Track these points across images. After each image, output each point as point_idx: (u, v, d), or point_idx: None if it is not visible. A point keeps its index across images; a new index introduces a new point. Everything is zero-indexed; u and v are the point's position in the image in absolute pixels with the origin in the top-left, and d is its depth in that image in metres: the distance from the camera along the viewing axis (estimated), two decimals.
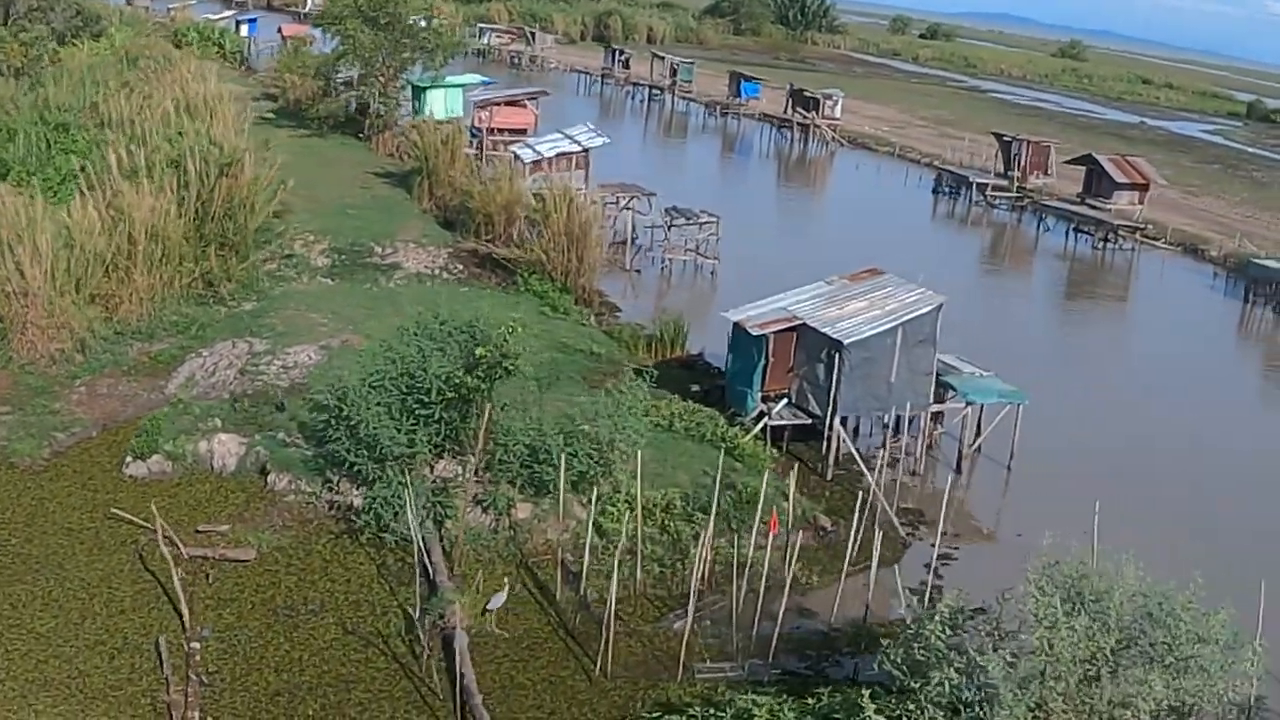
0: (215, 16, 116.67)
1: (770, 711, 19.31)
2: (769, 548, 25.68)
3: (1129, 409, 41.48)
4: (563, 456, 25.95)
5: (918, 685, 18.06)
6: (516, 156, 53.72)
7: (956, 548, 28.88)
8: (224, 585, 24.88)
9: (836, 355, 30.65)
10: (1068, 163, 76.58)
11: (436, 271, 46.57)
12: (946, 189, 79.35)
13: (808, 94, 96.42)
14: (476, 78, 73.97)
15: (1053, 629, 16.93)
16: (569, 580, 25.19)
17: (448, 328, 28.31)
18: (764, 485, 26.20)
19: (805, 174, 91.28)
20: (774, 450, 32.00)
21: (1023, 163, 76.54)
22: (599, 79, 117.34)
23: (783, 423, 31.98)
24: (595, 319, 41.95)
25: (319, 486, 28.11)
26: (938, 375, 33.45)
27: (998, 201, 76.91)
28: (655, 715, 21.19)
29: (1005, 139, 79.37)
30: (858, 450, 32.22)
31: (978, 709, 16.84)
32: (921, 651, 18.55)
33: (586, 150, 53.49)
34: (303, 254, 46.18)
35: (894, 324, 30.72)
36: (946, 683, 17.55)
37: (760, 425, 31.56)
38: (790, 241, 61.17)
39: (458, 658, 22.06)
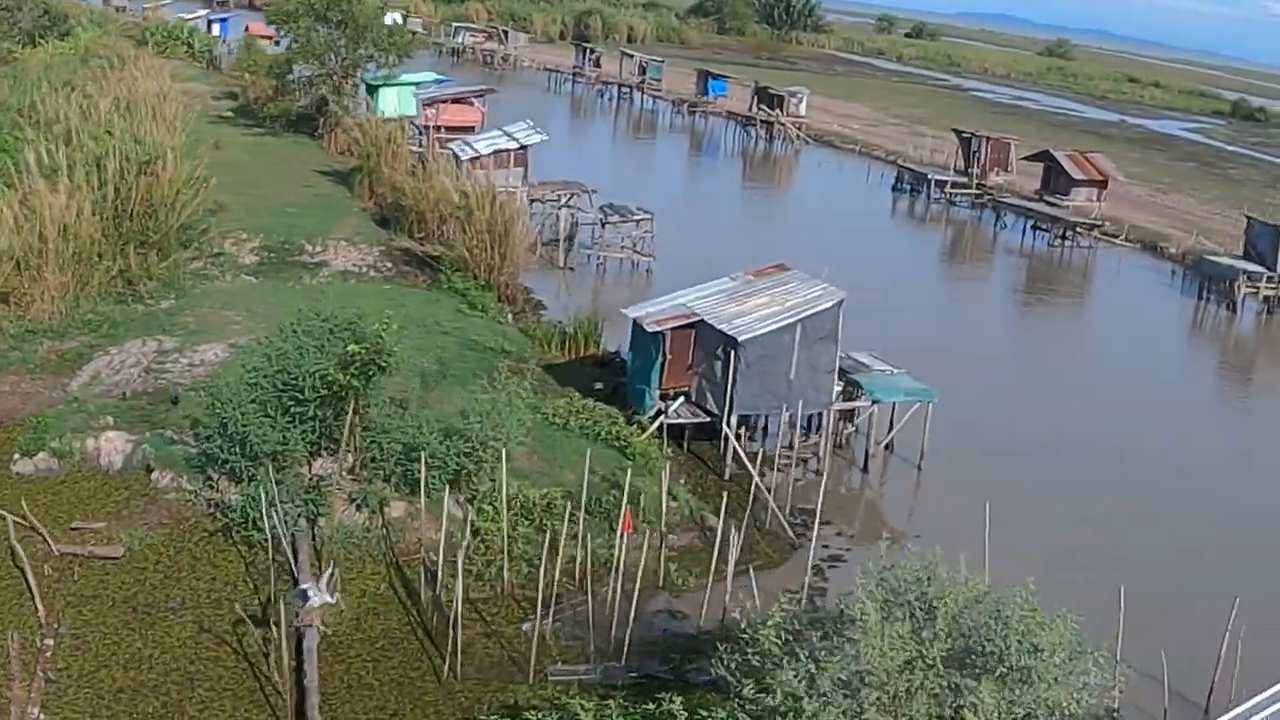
0: (189, 16, 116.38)
1: (596, 715, 18.83)
2: (645, 548, 25.25)
3: (1059, 409, 40.96)
4: (423, 455, 25.45)
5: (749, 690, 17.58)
6: (454, 155, 53.23)
7: (848, 549, 28.38)
8: (89, 582, 24.47)
9: (732, 352, 30.18)
10: (1025, 159, 76.11)
11: (364, 270, 46.17)
12: (906, 186, 78.90)
13: (772, 91, 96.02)
14: (431, 75, 73.57)
15: (867, 636, 16.41)
16: (429, 580, 24.72)
17: (328, 325, 27.86)
18: (663, 486, 25.85)
19: (765, 171, 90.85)
20: (674, 449, 31.58)
21: (982, 160, 76.02)
22: (570, 78, 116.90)
23: (680, 421, 31.50)
24: (513, 316, 41.49)
25: (200, 484, 27.70)
26: (846, 373, 33.03)
27: (957, 199, 76.45)
28: (495, 718, 20.73)
29: (965, 135, 78.86)
30: (745, 449, 31.48)
31: (788, 718, 16.33)
32: (756, 656, 18.06)
33: (524, 147, 52.99)
34: (232, 252, 45.79)
35: (792, 320, 30.26)
36: (780, 689, 16.99)
37: (656, 424, 31.08)
38: (736, 240, 60.57)
39: (304, 657, 21.63)
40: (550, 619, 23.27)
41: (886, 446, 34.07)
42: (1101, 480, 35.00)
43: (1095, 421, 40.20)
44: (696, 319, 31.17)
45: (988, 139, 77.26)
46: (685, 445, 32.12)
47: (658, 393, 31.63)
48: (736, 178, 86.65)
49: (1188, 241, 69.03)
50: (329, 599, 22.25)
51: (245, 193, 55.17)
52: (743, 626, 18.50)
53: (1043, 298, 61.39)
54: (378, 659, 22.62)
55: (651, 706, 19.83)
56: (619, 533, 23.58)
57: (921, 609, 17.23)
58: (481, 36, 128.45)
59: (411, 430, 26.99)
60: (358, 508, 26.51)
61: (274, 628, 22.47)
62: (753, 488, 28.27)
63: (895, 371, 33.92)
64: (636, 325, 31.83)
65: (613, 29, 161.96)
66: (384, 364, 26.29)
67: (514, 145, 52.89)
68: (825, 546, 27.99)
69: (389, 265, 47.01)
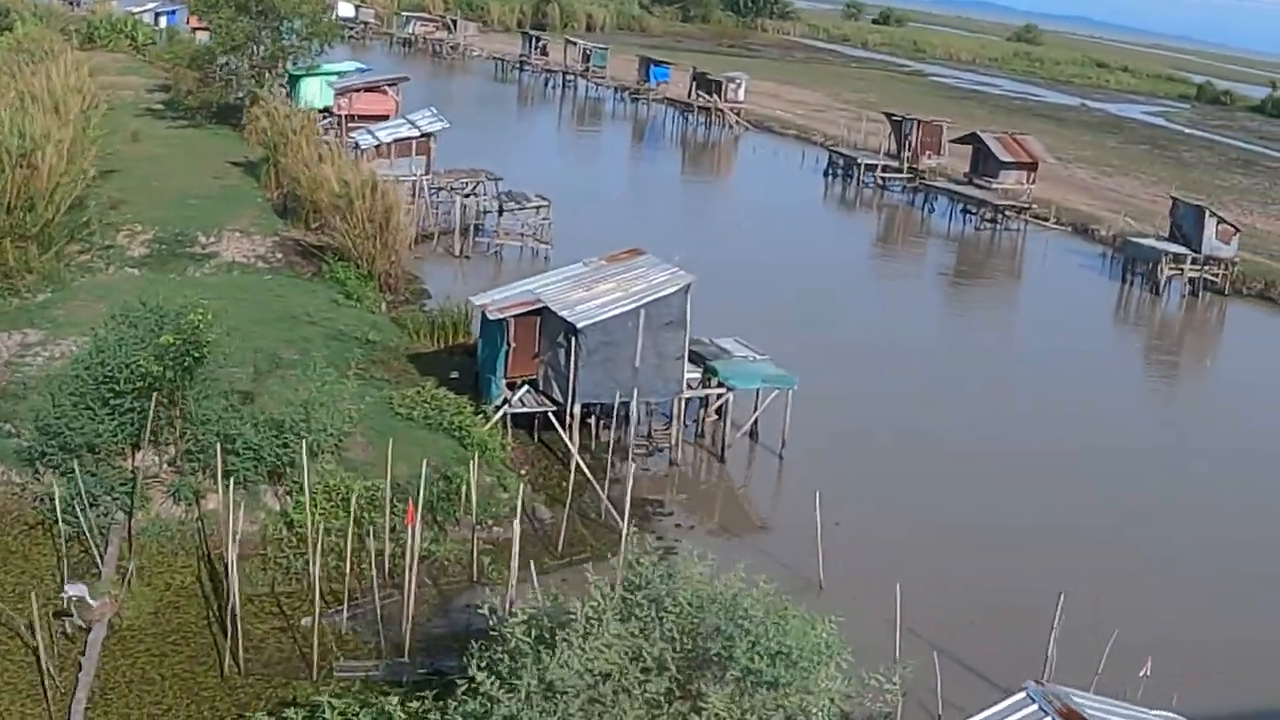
0: (137, 9, 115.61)
1: (343, 713, 18.42)
2: (474, 539, 24.87)
3: (948, 396, 40.41)
4: (231, 446, 25.01)
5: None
6: (356, 144, 52.74)
7: (680, 540, 27.87)
8: None
9: (573, 339, 29.73)
10: (953, 141, 75.55)
11: (253, 261, 45.66)
12: (837, 171, 78.30)
13: (710, 77, 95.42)
14: (352, 65, 72.96)
15: (586, 638, 15.91)
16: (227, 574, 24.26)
17: (155, 316, 27.40)
18: (473, 474, 25.43)
19: (697, 158, 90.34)
20: (527, 438, 31.17)
21: (913, 143, 75.48)
22: (517, 66, 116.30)
23: (524, 410, 31.06)
24: (388, 306, 41.02)
25: (29, 477, 27.26)
26: (705, 360, 32.63)
27: (887, 182, 76.01)
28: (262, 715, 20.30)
29: (896, 119, 78.35)
30: (606, 439, 31.15)
31: None
32: (501, 653, 17.57)
33: (426, 135, 52.45)
34: (124, 244, 45.23)
35: (634, 306, 29.80)
36: (524, 688, 16.45)
37: (500, 413, 30.64)
38: (648, 227, 59.85)
39: (87, 650, 21.28)
40: (346, 613, 22.82)
41: (751, 435, 33.63)
42: (972, 470, 34.42)
43: (984, 408, 39.82)
44: (541, 306, 30.68)
45: (919, 122, 76.72)
46: (535, 435, 31.67)
47: (504, 381, 31.18)
48: (665, 164, 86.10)
49: (1121, 224, 68.54)
50: (88, 598, 21.87)
51: (152, 184, 54.74)
52: (490, 624, 18.00)
53: (960, 282, 61.07)
54: (166, 653, 22.19)
55: (415, 705, 19.36)
56: (410, 525, 23.05)
57: (652, 609, 16.66)
58: (432, 26, 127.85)
59: (232, 421, 26.55)
60: (175, 500, 26.08)
61: (64, 621, 22.18)
62: (599, 481, 27.77)
63: (758, 358, 33.44)
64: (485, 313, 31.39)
65: (571, 17, 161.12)
66: (199, 355, 25.90)
67: (415, 133, 52.30)
68: (659, 539, 27.52)
69: (279, 256, 46.51)
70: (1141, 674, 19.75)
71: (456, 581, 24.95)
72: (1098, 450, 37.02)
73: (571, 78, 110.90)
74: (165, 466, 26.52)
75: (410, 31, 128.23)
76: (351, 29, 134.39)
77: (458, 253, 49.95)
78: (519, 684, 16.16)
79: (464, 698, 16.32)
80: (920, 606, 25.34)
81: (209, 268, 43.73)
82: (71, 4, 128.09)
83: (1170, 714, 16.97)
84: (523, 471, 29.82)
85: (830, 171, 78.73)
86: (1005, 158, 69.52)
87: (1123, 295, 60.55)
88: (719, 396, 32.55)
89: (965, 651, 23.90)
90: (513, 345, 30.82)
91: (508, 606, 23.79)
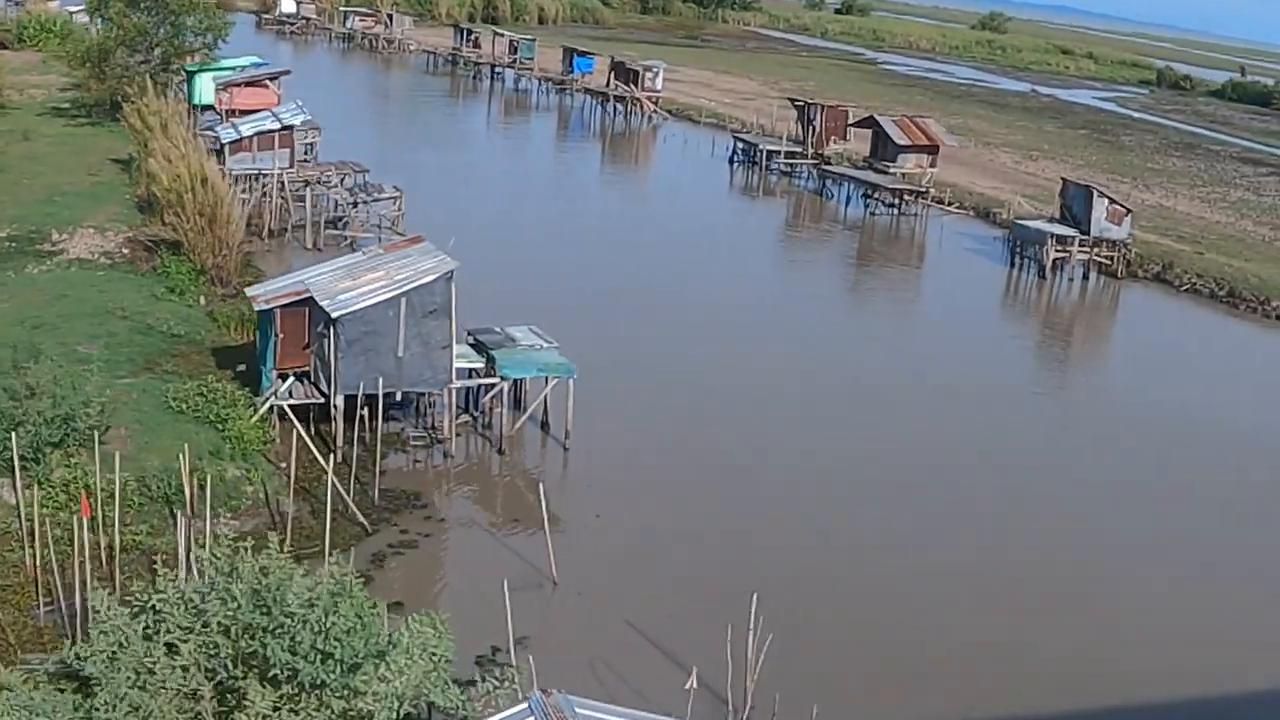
0: (75, 9, 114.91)
1: None
2: (189, 532, 24.12)
3: (774, 391, 38.90)
4: None
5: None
6: (217, 138, 52.10)
7: (427, 535, 27.24)
8: None
9: (332, 329, 29.10)
10: (852, 125, 74.65)
11: (97, 257, 45.07)
12: (741, 158, 77.55)
13: (628, 66, 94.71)
14: (250, 59, 72.25)
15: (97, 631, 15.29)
16: None
17: None
18: (185, 461, 24.79)
19: (608, 146, 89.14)
20: (289, 429, 30.49)
21: (817, 128, 74.70)
22: (450, 59, 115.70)
23: (293, 402, 30.42)
24: (207, 300, 40.37)
25: None
26: (486, 348, 32.01)
27: (789, 169, 75.29)
28: None
29: (799, 104, 77.61)
30: (336, 430, 30.23)
31: None
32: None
33: (289, 128, 51.75)
34: None
35: (394, 294, 29.13)
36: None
37: (265, 405, 30.02)
38: (526, 217, 59.40)
39: None
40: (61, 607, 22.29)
41: (543, 427, 32.97)
42: (764, 468, 32.94)
43: (807, 405, 38.22)
44: (308, 295, 30.05)
45: (823, 107, 75.84)
46: (312, 427, 31.01)
47: (274, 373, 30.53)
48: (573, 153, 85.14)
49: (1025, 208, 67.71)
50: None
51: (24, 182, 54.47)
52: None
53: (843, 268, 60.14)
54: None
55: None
56: (85, 518, 22.42)
57: (212, 603, 15.97)
58: (371, 21, 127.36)
59: None
60: None
61: None
62: (331, 471, 27.05)
63: (544, 346, 32.75)
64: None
65: (522, 10, 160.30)
66: None
67: (277, 126, 51.62)
68: (404, 532, 26.97)
69: (125, 252, 45.91)
70: (687, 686, 19.04)
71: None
72: (892, 467, 34.26)
73: (500, 70, 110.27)
74: None
75: (350, 27, 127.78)
76: (293, 24, 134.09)
77: (309, 246, 49.29)
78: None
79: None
80: (655, 603, 24.83)
81: (49, 265, 43.22)
82: (17, 3, 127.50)
83: None
84: (283, 465, 29.18)
85: (734, 159, 77.88)
86: (902, 141, 68.66)
87: (1010, 279, 59.66)
88: (492, 386, 31.83)
89: (676, 650, 23.07)
90: (280, 336, 30.16)
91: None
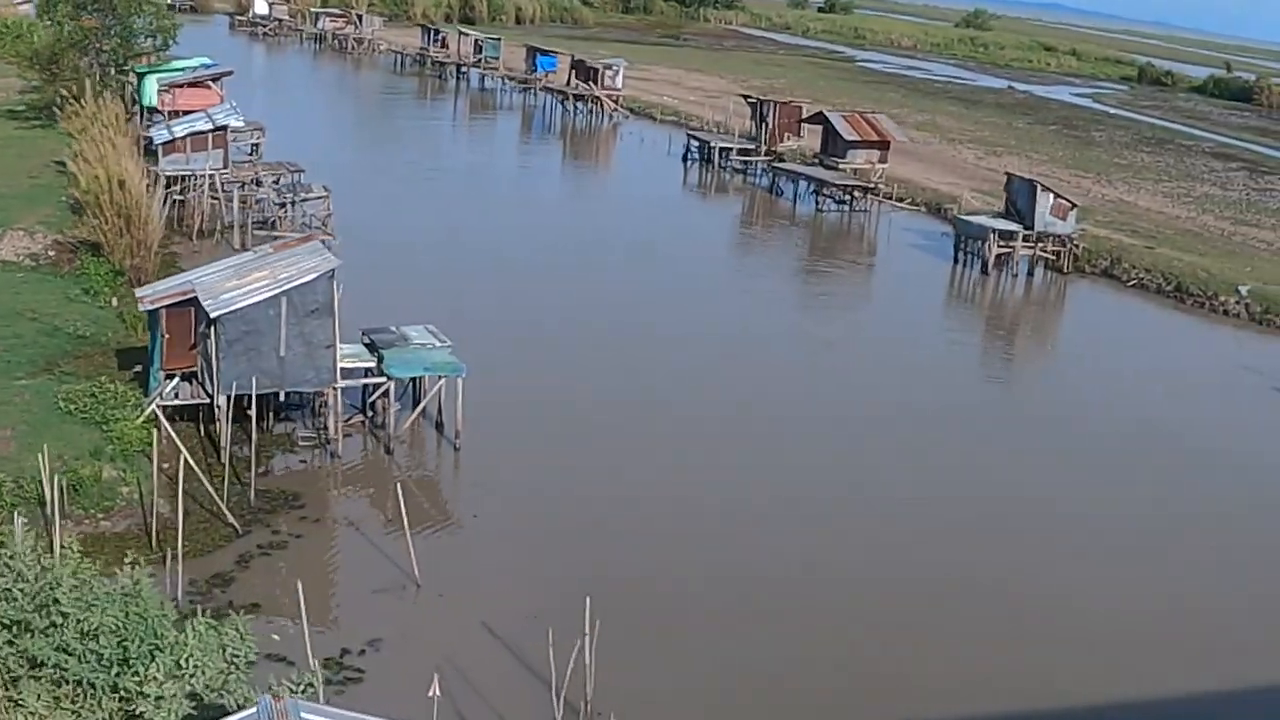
0: None
1: None
2: (58, 532, 24.01)
3: (680, 385, 38.67)
4: None
5: None
6: (149, 139, 51.97)
7: (299, 535, 27.01)
8: None
9: (214, 328, 28.95)
10: (802, 121, 74.42)
11: (21, 259, 44.89)
12: (695, 156, 77.34)
13: (588, 65, 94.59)
14: (199, 60, 72.10)
15: None
16: None
17: None
18: (44, 463, 24.64)
19: (565, 144, 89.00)
20: (190, 431, 30.40)
21: (770, 125, 74.51)
22: (417, 58, 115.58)
23: (179, 403, 30.27)
24: (120, 301, 40.23)
25: None
26: (376, 347, 31.86)
27: (743, 166, 75.09)
28: None
29: (752, 101, 77.42)
30: (221, 431, 29.98)
31: None
32: None
33: (222, 129, 51.61)
34: None
35: (274, 293, 28.96)
36: None
37: (150, 406, 29.85)
38: (464, 216, 59.10)
39: None
40: None
41: (437, 426, 32.78)
42: (660, 469, 32.36)
43: (710, 405, 37.29)
44: (193, 295, 29.89)
45: (776, 104, 75.65)
46: (202, 428, 30.89)
47: (161, 374, 30.38)
48: (522, 152, 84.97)
49: (971, 203, 67.48)
50: None
51: None
52: None
53: (779, 266, 59.60)
54: None
55: None
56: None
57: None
58: (342, 21, 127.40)
59: None
60: None
61: None
62: (210, 471, 26.90)
63: (437, 345, 32.55)
64: None
65: (499, 10, 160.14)
66: None
67: (209, 127, 51.47)
68: (275, 533, 26.78)
69: (52, 254, 45.82)
70: (430, 694, 18.79)
71: None
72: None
73: (465, 70, 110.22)
74: None
75: (320, 28, 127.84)
76: (266, 26, 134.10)
77: (238, 246, 49.07)
78: None
79: None
80: (519, 606, 24.58)
81: None
82: None
83: None
84: (164, 465, 28.98)
85: (688, 156, 77.66)
86: (851, 136, 68.43)
87: (954, 276, 59.38)
88: (379, 386, 31.66)
89: (529, 653, 22.71)
90: (166, 336, 29.99)
91: None
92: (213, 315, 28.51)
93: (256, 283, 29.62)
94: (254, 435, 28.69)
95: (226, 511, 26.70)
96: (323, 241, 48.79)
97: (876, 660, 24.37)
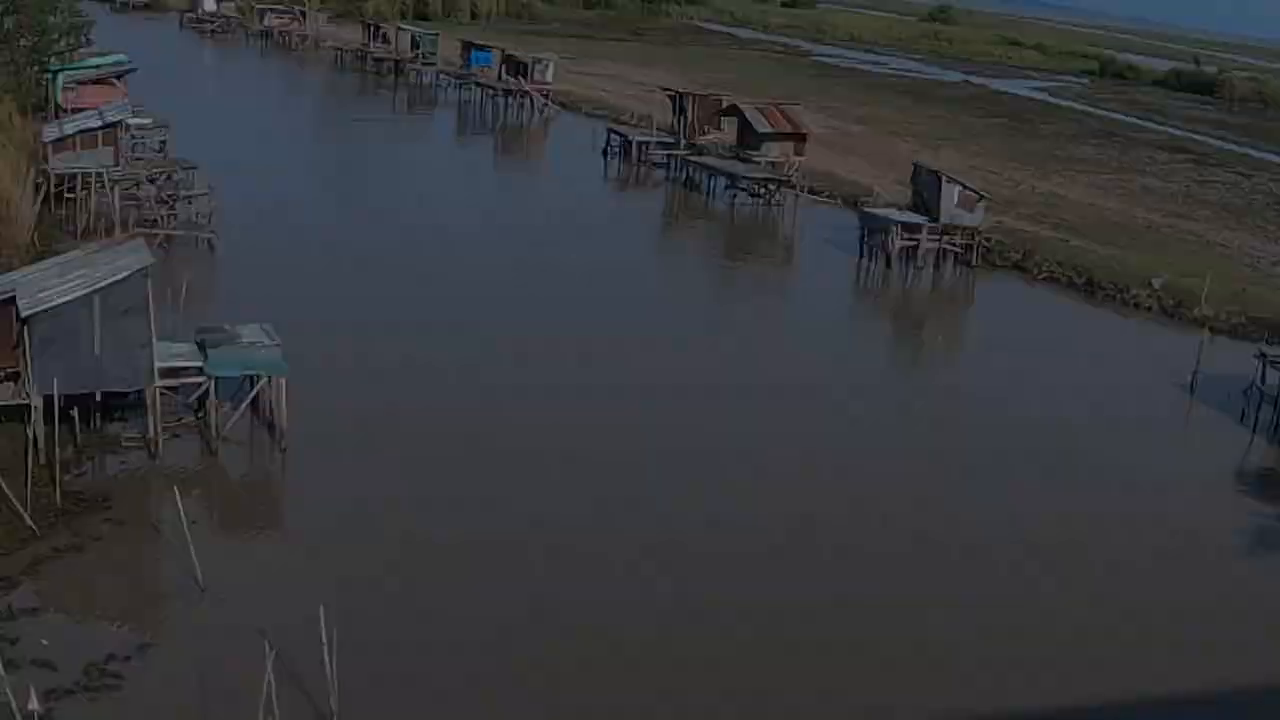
0: None
1: None
2: None
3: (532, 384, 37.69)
4: None
5: None
6: (39, 137, 51.61)
7: (98, 539, 26.45)
8: None
9: (26, 328, 28.66)
10: (720, 114, 74.09)
11: None
12: (613, 149, 77.01)
13: (518, 59, 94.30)
14: (114, 58, 71.56)
15: None
16: None
17: None
18: None
19: (490, 142, 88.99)
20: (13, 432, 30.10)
21: (690, 118, 74.18)
22: (359, 54, 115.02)
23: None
24: None
25: None
26: (204, 346, 31.58)
27: (663, 160, 74.80)
28: None
29: (672, 94, 77.18)
30: (38, 432, 29.49)
31: None
32: None
33: (112, 126, 51.19)
34: None
35: (86, 292, 28.68)
36: None
37: None
38: (360, 216, 58.35)
39: None
40: None
41: (268, 427, 32.39)
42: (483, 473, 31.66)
43: (564, 409, 36.21)
44: (12, 294, 29.55)
45: (695, 97, 75.29)
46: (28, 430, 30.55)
47: None
48: (447, 148, 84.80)
49: (880, 196, 67.02)
50: None
51: None
52: None
53: (677, 261, 59.23)
54: None
55: None
56: None
57: None
58: (287, 18, 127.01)
59: None
60: None
61: None
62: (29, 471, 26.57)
63: (266, 345, 32.15)
64: None
65: (454, 7, 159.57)
66: None
67: (99, 124, 51.05)
68: (75, 535, 26.35)
69: None
70: (30, 707, 18.55)
71: None
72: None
73: (405, 64, 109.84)
74: None
75: (266, 24, 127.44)
76: (214, 23, 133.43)
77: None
78: None
79: None
80: (302, 615, 24.04)
81: None
82: None
83: None
84: None
85: (609, 150, 77.33)
86: (765, 129, 68.13)
87: (859, 269, 59.05)
88: (200, 385, 31.36)
89: (301, 665, 22.29)
90: None
91: None
92: (24, 314, 28.21)
93: (73, 281, 29.32)
94: (57, 436, 28.39)
95: (24, 514, 26.39)
96: (207, 240, 48.95)
97: None
